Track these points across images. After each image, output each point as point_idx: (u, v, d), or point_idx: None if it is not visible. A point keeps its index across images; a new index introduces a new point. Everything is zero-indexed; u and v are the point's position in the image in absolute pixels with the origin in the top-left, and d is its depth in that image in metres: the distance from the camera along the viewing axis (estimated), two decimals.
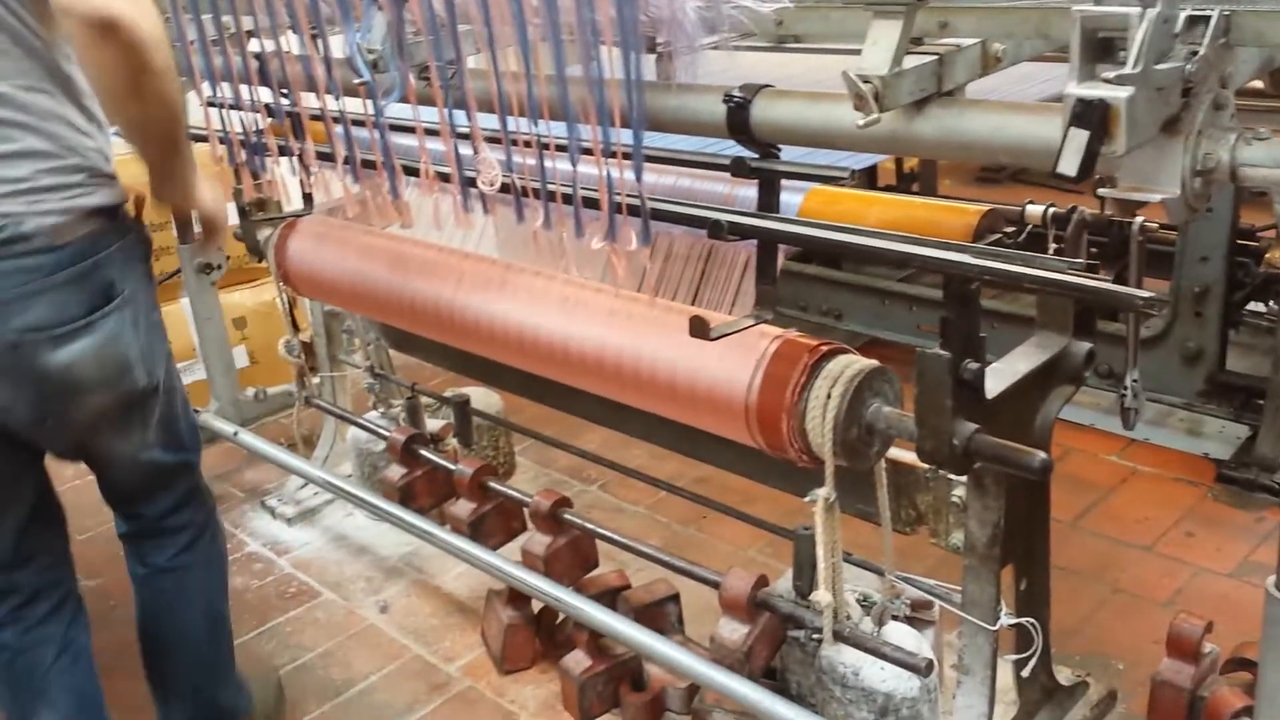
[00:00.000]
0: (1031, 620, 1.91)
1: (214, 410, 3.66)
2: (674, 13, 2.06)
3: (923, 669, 1.87)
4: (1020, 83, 2.36)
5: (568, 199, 1.87)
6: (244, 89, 2.33)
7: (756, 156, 2.00)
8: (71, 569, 2.23)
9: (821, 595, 1.90)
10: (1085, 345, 1.92)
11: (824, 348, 1.77)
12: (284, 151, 2.38)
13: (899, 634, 1.97)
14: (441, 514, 2.83)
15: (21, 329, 1.81)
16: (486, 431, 3.23)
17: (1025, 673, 1.98)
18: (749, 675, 2.07)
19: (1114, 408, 2.71)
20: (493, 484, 2.71)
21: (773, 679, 2.17)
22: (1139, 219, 2.33)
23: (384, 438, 2.98)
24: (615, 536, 2.46)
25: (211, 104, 2.41)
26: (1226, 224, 3.21)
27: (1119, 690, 2.35)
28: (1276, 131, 1.41)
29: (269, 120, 2.36)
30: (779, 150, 2.00)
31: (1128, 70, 1.29)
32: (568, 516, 2.51)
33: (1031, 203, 2.11)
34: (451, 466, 2.78)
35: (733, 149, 2.04)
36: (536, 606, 2.64)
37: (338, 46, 2.11)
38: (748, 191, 2.15)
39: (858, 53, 1.59)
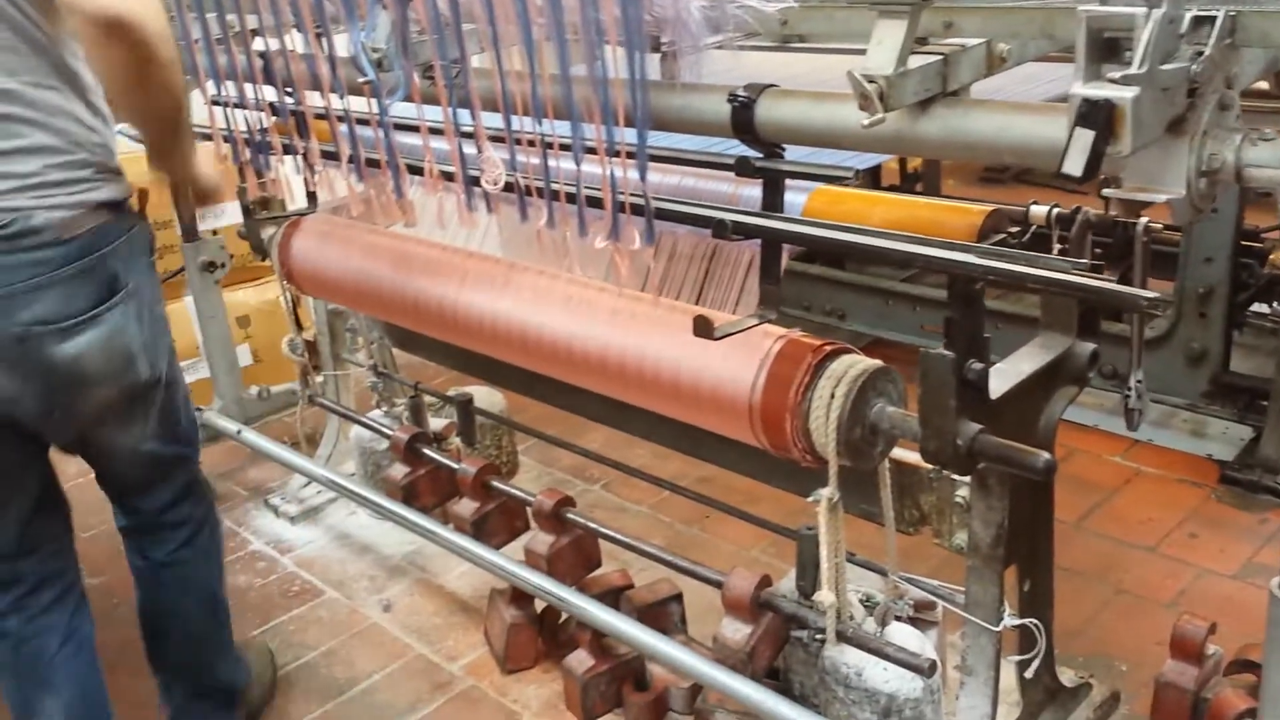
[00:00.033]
0: (1035, 621, 1.91)
1: (217, 408, 3.67)
2: (679, 12, 2.06)
3: (926, 670, 1.87)
4: (1025, 83, 2.36)
5: (571, 198, 1.87)
6: (248, 87, 2.34)
7: (761, 156, 1.99)
8: (75, 560, 2.25)
9: (825, 596, 1.90)
10: (1089, 346, 1.92)
11: (828, 347, 1.77)
12: (288, 150, 2.38)
13: (902, 635, 1.96)
14: (444, 513, 2.83)
15: (30, 322, 1.83)
16: (489, 430, 3.23)
17: (1029, 674, 1.98)
18: (752, 675, 2.07)
19: (1118, 408, 2.71)
20: (496, 483, 2.71)
21: (776, 679, 2.17)
22: (1143, 219, 2.33)
23: (387, 436, 2.98)
24: (618, 536, 2.46)
25: (216, 102, 2.41)
26: (1231, 225, 3.21)
27: (1122, 692, 2.35)
28: None
29: (273, 119, 2.36)
30: (783, 150, 2.00)
31: (1133, 70, 1.29)
32: (571, 516, 2.51)
33: (1036, 203, 2.10)
34: (455, 465, 2.78)
35: (736, 149, 2.04)
36: (539, 606, 2.64)
37: (342, 45, 2.11)
38: (751, 191, 2.15)
39: (862, 53, 1.59)
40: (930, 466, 1.90)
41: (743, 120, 1.86)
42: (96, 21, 1.70)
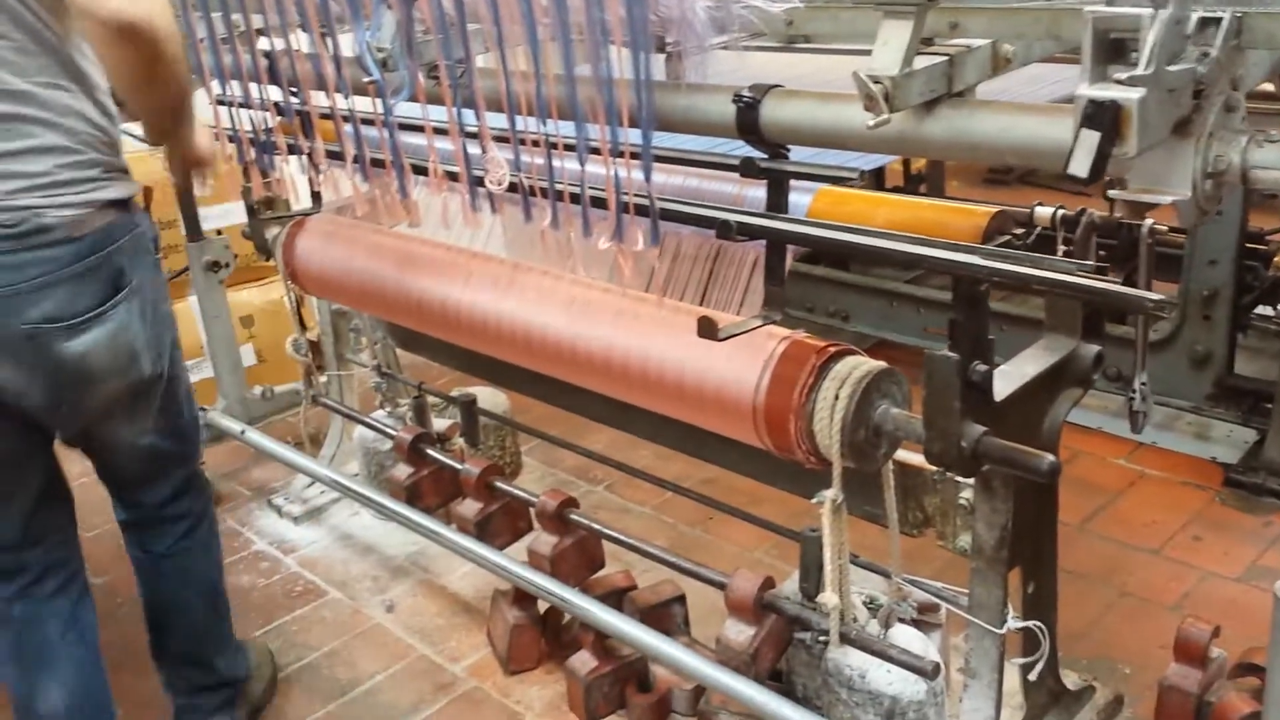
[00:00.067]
0: (1038, 624, 1.90)
1: (221, 408, 3.67)
2: (684, 12, 2.06)
3: (929, 672, 1.86)
4: (1029, 84, 2.36)
5: (575, 199, 1.87)
6: (253, 87, 2.34)
7: (765, 156, 1.99)
8: (79, 551, 2.27)
9: (828, 598, 1.90)
10: (1094, 348, 1.91)
11: (832, 349, 1.77)
12: (293, 150, 2.38)
13: (905, 637, 1.96)
14: (448, 513, 2.83)
15: (39, 320, 1.87)
16: (493, 431, 3.23)
17: (1032, 676, 1.97)
18: (755, 677, 2.06)
19: (1121, 410, 2.70)
20: (499, 484, 2.71)
21: (779, 681, 2.16)
22: (1148, 221, 2.33)
23: (391, 437, 2.98)
24: (622, 537, 2.46)
25: (221, 102, 2.41)
26: (1235, 227, 3.21)
27: (1126, 695, 2.34)
28: None
29: (278, 119, 2.36)
30: (788, 150, 2.00)
31: (1140, 71, 1.29)
32: (574, 517, 2.51)
33: (1040, 204, 2.10)
34: (458, 466, 2.78)
35: (740, 149, 2.03)
36: (543, 607, 2.64)
37: (347, 45, 2.11)
38: (756, 192, 2.14)
39: (867, 53, 1.59)
40: (934, 468, 1.90)
41: (748, 121, 1.86)
42: (111, 26, 1.73)
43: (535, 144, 1.88)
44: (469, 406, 2.99)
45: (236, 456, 3.71)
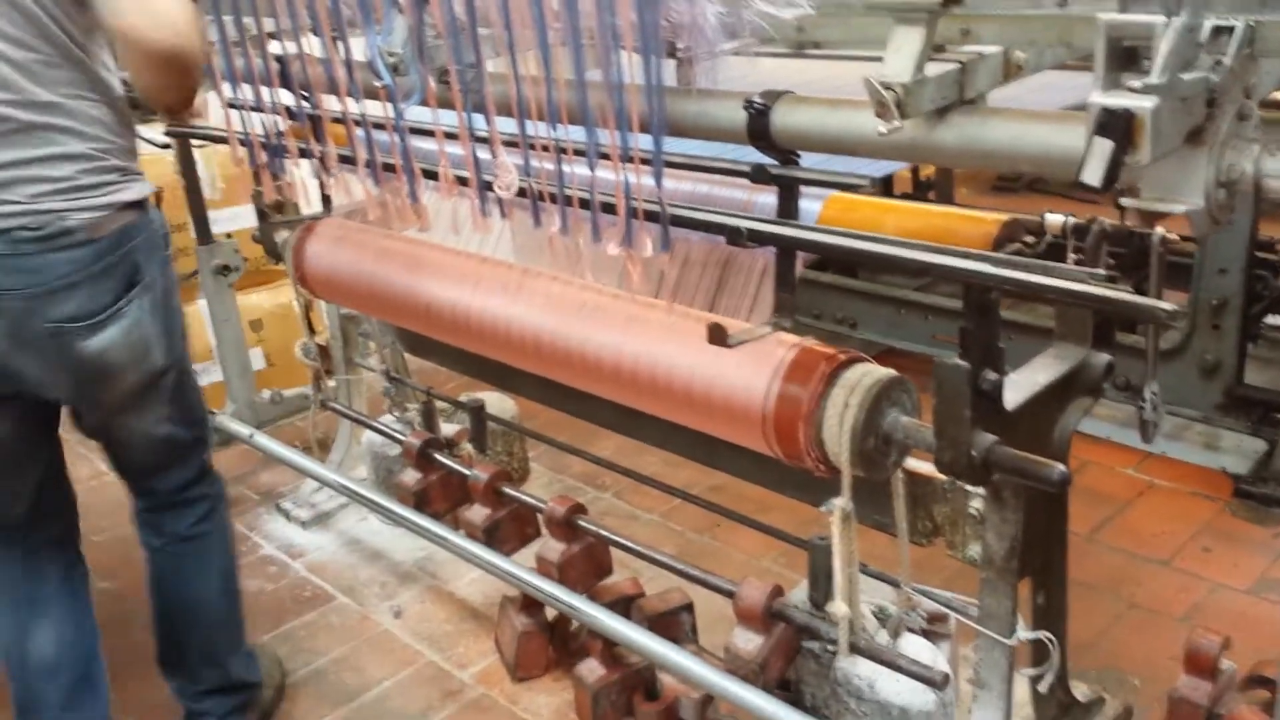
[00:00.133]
0: (1048, 634, 1.89)
1: (230, 412, 3.67)
2: (695, 18, 2.06)
3: (939, 682, 1.85)
4: (1039, 91, 2.35)
5: (585, 204, 1.87)
6: (264, 91, 2.34)
7: (775, 163, 1.99)
8: (76, 529, 2.38)
9: (838, 607, 1.89)
10: (1104, 357, 1.90)
11: (842, 357, 1.76)
12: (304, 154, 2.38)
13: (915, 647, 1.95)
14: (455, 519, 2.83)
15: (61, 319, 1.96)
16: (500, 437, 3.23)
17: (1042, 688, 1.96)
18: (764, 686, 2.06)
19: (1130, 420, 2.69)
20: (508, 490, 2.70)
21: (787, 690, 2.15)
22: (1159, 230, 2.32)
23: (400, 442, 2.98)
24: (630, 544, 2.45)
25: (232, 105, 2.42)
26: (1245, 236, 3.19)
27: (1135, 706, 2.32)
28: None
29: (289, 123, 2.37)
30: (798, 157, 1.99)
31: (1153, 80, 1.28)
32: (582, 523, 2.50)
33: (1050, 212, 2.09)
34: (467, 472, 2.77)
35: (747, 154, 2.03)
36: (551, 614, 2.64)
37: (359, 49, 2.12)
38: (765, 198, 2.14)
39: (878, 59, 1.59)
40: (943, 477, 1.89)
41: (758, 127, 1.85)
42: (154, 54, 1.86)
43: (545, 149, 1.88)
44: (477, 412, 2.99)
45: (245, 460, 3.71)
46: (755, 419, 1.79)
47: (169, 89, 1.97)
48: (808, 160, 2.01)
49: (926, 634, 2.05)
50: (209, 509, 2.38)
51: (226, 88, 2.38)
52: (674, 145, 2.05)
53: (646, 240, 1.83)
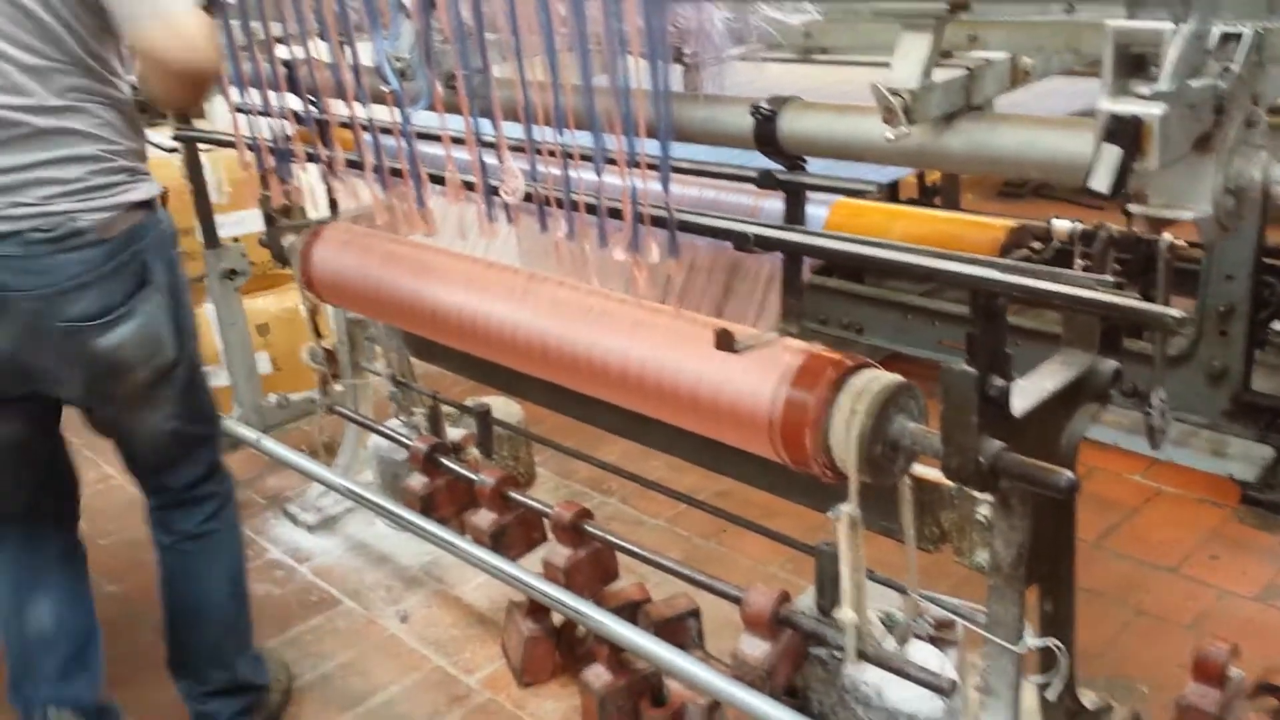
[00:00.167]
0: (1056, 642, 1.89)
1: (237, 416, 3.67)
2: (701, 23, 2.06)
3: (946, 689, 1.85)
4: (1045, 97, 2.35)
5: (591, 209, 1.87)
6: (272, 95, 2.35)
7: (782, 168, 1.99)
8: (77, 511, 2.43)
9: (845, 613, 1.88)
10: (1111, 363, 1.90)
11: (849, 362, 1.76)
12: (311, 158, 2.39)
13: (922, 653, 1.95)
14: (461, 523, 2.83)
15: (75, 318, 2.01)
16: (506, 441, 3.23)
17: (1050, 695, 1.96)
18: (771, 693, 2.05)
19: (1136, 426, 2.67)
20: (514, 494, 2.70)
21: (794, 697, 2.15)
22: (1166, 236, 2.31)
23: (406, 446, 2.98)
24: (636, 549, 2.45)
25: (240, 110, 2.42)
26: (1252, 243, 3.18)
27: (1143, 714, 2.32)
28: None
29: (296, 127, 2.37)
30: (805, 162, 1.99)
31: (1162, 87, 1.28)
32: (589, 528, 2.50)
33: (1057, 218, 2.09)
34: (474, 477, 2.77)
35: (753, 160, 2.03)
36: (557, 619, 2.64)
37: (366, 54, 2.12)
38: (772, 203, 2.14)
39: (885, 65, 1.59)
40: (951, 483, 1.89)
41: (765, 132, 1.85)
42: (174, 70, 1.92)
43: (552, 154, 1.89)
44: (484, 417, 2.99)
45: (251, 465, 3.71)
46: (762, 424, 1.79)
47: (182, 97, 2.04)
48: (814, 166, 2.00)
49: (934, 641, 2.04)
50: (218, 507, 2.40)
51: (234, 92, 2.39)
52: (679, 150, 2.05)
53: (653, 245, 1.83)
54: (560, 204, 1.92)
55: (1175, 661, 2.43)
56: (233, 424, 3.47)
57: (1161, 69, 1.30)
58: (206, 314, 3.76)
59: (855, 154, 1.79)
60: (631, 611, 2.43)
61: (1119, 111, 1.30)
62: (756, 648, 2.08)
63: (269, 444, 3.36)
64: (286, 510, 3.49)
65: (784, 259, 1.93)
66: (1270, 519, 3.12)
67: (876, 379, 1.74)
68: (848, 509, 1.79)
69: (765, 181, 2.01)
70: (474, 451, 3.04)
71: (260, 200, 2.88)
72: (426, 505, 2.86)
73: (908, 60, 1.56)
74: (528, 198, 1.97)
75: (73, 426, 2.33)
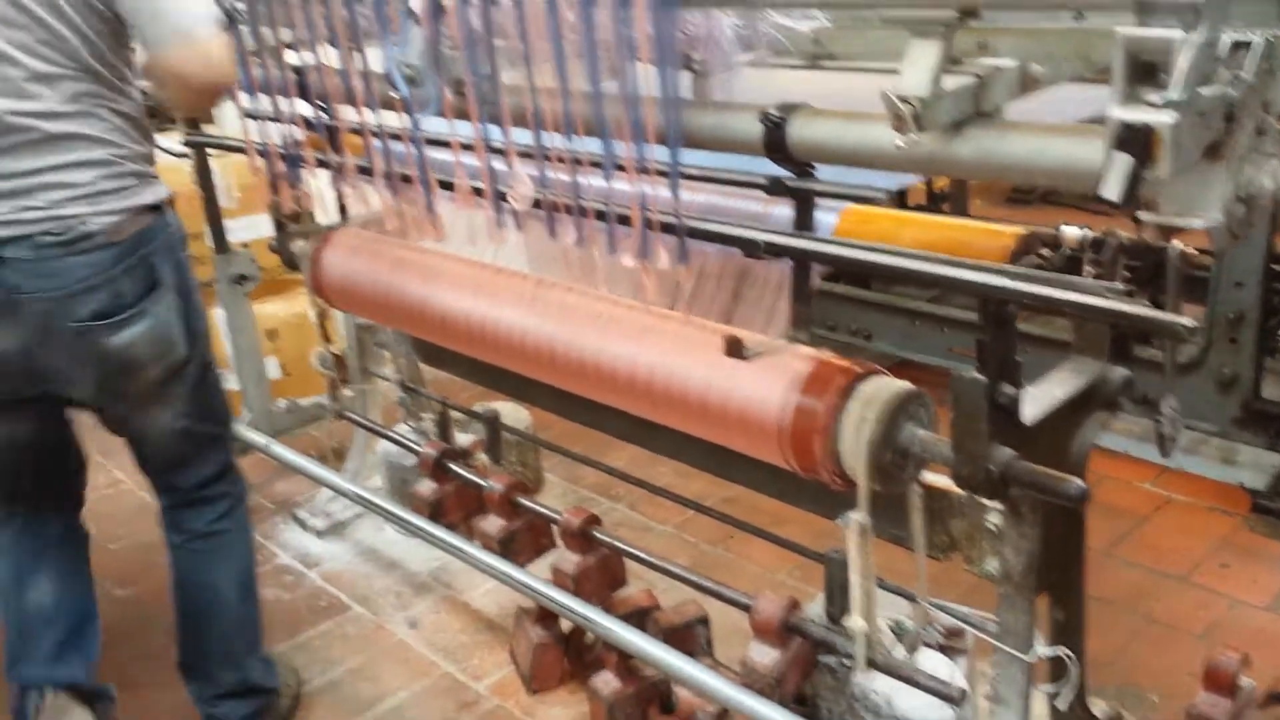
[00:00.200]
0: (1067, 650, 1.88)
1: (246, 421, 3.68)
2: (711, 30, 2.06)
3: (956, 698, 1.84)
4: (1053, 103, 2.34)
5: (600, 215, 1.87)
6: (282, 101, 2.35)
7: (791, 175, 1.98)
8: (81, 494, 2.49)
9: (855, 622, 1.88)
10: (1122, 371, 1.89)
11: (859, 370, 1.76)
12: (321, 164, 2.39)
13: (932, 662, 1.94)
14: (470, 529, 2.82)
15: (86, 318, 2.05)
16: (515, 447, 3.23)
17: (1061, 704, 1.95)
18: (780, 701, 2.05)
19: (1145, 434, 2.66)
20: (523, 500, 2.70)
21: (804, 705, 2.14)
22: (1176, 243, 2.31)
23: (415, 452, 2.98)
24: (645, 556, 2.45)
25: (250, 115, 2.43)
26: (1262, 250, 3.17)
27: None
28: None
29: (306, 133, 2.38)
30: (814, 169, 1.99)
31: (1173, 95, 1.28)
32: (598, 535, 2.50)
33: (1066, 225, 2.09)
34: (482, 482, 2.77)
35: (762, 166, 2.02)
36: (566, 625, 2.63)
37: (375, 60, 2.13)
38: (780, 210, 2.14)
39: (894, 72, 1.58)
40: (961, 491, 1.88)
41: (775, 139, 1.85)
42: (194, 87, 1.99)
43: (561, 160, 1.89)
44: (492, 422, 2.99)
45: (260, 470, 3.71)
46: (771, 432, 1.79)
47: (198, 107, 2.15)
48: (822, 172, 2.00)
49: (944, 649, 2.04)
50: (229, 507, 2.42)
51: (245, 98, 2.39)
52: (688, 156, 2.05)
53: (662, 252, 1.83)
54: (569, 210, 1.92)
55: (1186, 670, 2.42)
56: (242, 429, 3.47)
57: (1172, 77, 1.29)
58: (216, 319, 3.76)
59: (865, 161, 1.78)
60: (640, 618, 2.43)
61: (1130, 120, 1.29)
62: (766, 655, 2.08)
63: (278, 449, 3.36)
64: (295, 515, 3.49)
65: (793, 266, 1.93)
66: None
67: (886, 386, 1.73)
68: (858, 516, 1.78)
69: (775, 188, 2.01)
70: (482, 457, 3.04)
71: (270, 206, 2.89)
72: (435, 511, 2.86)
73: (917, 67, 1.55)
74: (536, 204, 1.97)
75: (85, 426, 2.36)
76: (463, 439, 3.11)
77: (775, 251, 1.83)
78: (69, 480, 2.45)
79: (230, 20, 2.09)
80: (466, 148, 2.03)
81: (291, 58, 2.36)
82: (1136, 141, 1.29)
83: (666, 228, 1.82)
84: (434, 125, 2.11)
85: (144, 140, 2.14)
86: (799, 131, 1.82)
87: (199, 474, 2.37)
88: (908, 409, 1.72)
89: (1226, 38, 1.35)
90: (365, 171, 2.30)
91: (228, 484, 2.42)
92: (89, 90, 1.99)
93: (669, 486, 2.81)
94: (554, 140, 1.90)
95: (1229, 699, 2.04)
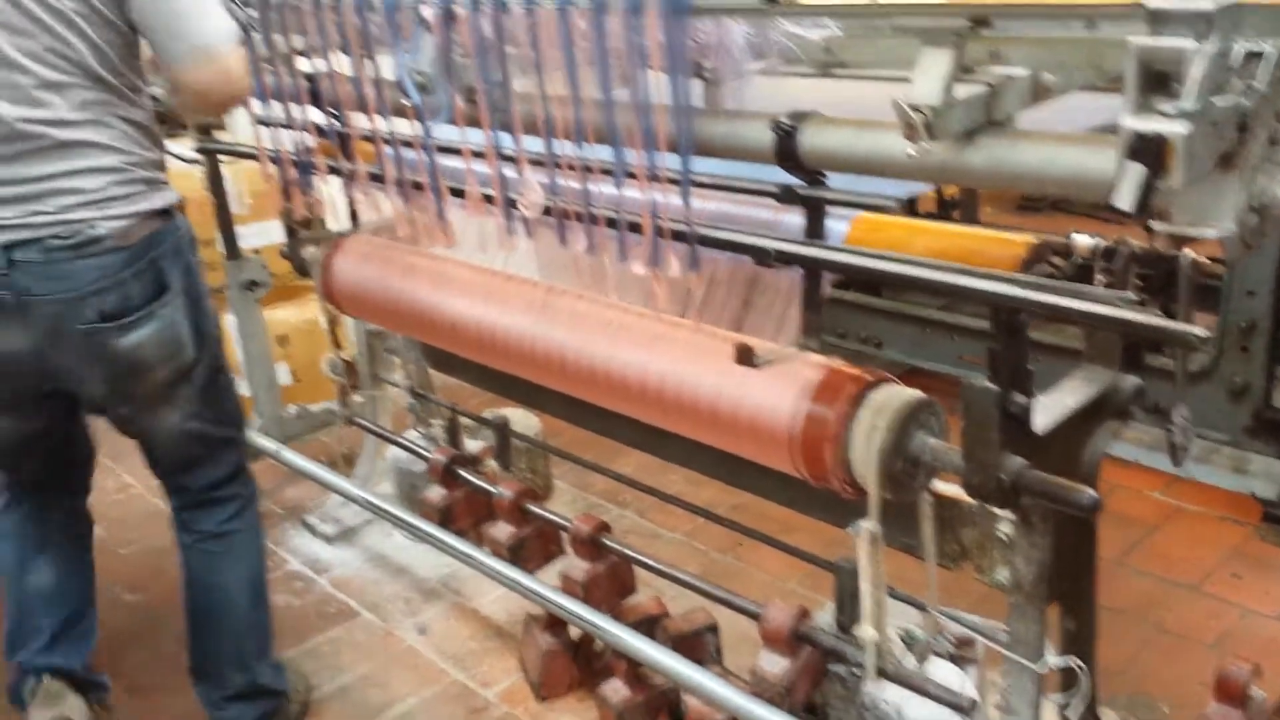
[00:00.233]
0: (1077, 660, 1.88)
1: (257, 427, 3.68)
2: (722, 38, 2.06)
3: (966, 708, 1.84)
4: (1063, 111, 2.34)
5: (611, 223, 1.87)
6: (294, 108, 2.36)
7: (802, 183, 1.98)
8: (88, 482, 2.54)
9: (866, 631, 1.87)
10: (1133, 380, 1.89)
11: (869, 378, 1.76)
12: (333, 171, 2.40)
13: (942, 671, 1.94)
14: (479, 535, 2.83)
15: (95, 319, 2.07)
16: (524, 453, 3.23)
17: (1071, 715, 1.94)
18: (790, 710, 2.04)
19: (1155, 442, 2.66)
20: (532, 507, 2.70)
21: (813, 714, 2.14)
22: (1188, 252, 2.30)
23: (425, 459, 2.98)
24: (655, 564, 2.45)
25: (262, 123, 2.44)
26: (1274, 259, 3.16)
27: None
28: None
29: (318, 139, 2.38)
30: (825, 177, 1.99)
31: (1186, 105, 1.28)
32: (607, 542, 2.50)
33: (1076, 233, 2.08)
34: (492, 489, 2.77)
35: (772, 174, 2.02)
36: (575, 633, 2.63)
37: (387, 68, 2.13)
38: (790, 218, 2.14)
39: (905, 80, 1.58)
40: (971, 500, 1.88)
41: (786, 148, 1.85)
42: (211, 101, 2.05)
43: (571, 168, 1.89)
44: (502, 429, 2.99)
45: (270, 475, 3.71)
46: (782, 440, 1.79)
47: (211, 114, 2.22)
48: (833, 180, 2.00)
49: (954, 659, 2.03)
50: (240, 508, 2.43)
51: (257, 105, 2.40)
52: (698, 164, 2.05)
53: (673, 259, 1.83)
54: (580, 217, 1.92)
55: (1197, 680, 2.41)
56: (253, 435, 3.48)
57: (1185, 87, 1.29)
58: (227, 325, 3.77)
59: (876, 169, 1.78)
60: (649, 626, 2.42)
61: (1143, 129, 1.29)
62: (776, 664, 2.08)
63: (288, 455, 3.37)
64: (305, 521, 3.49)
65: (804, 274, 1.93)
66: None
67: (897, 394, 1.73)
68: (869, 525, 1.78)
69: (786, 197, 2.01)
70: (492, 463, 3.04)
71: (282, 212, 2.90)
72: (445, 517, 2.86)
73: (929, 76, 1.55)
74: (547, 211, 1.97)
75: (98, 425, 2.38)
76: (472, 445, 3.12)
77: (786, 260, 1.83)
78: (78, 469, 2.51)
79: (245, 32, 2.09)
80: (478, 155, 2.04)
81: (304, 65, 2.37)
82: (1149, 151, 1.29)
83: (677, 235, 1.83)
84: (445, 132, 2.11)
85: (154, 147, 2.15)
86: (810, 140, 1.83)
87: (210, 475, 2.38)
88: (919, 417, 1.72)
89: (1239, 47, 1.35)
90: (377, 178, 2.31)
91: (239, 485, 2.44)
92: (99, 99, 2.02)
93: (678, 494, 2.80)
94: (565, 148, 1.91)
95: (1240, 709, 2.03)
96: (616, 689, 2.40)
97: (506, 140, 2.02)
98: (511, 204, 2.03)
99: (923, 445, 1.72)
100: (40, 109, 1.97)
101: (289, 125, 2.43)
